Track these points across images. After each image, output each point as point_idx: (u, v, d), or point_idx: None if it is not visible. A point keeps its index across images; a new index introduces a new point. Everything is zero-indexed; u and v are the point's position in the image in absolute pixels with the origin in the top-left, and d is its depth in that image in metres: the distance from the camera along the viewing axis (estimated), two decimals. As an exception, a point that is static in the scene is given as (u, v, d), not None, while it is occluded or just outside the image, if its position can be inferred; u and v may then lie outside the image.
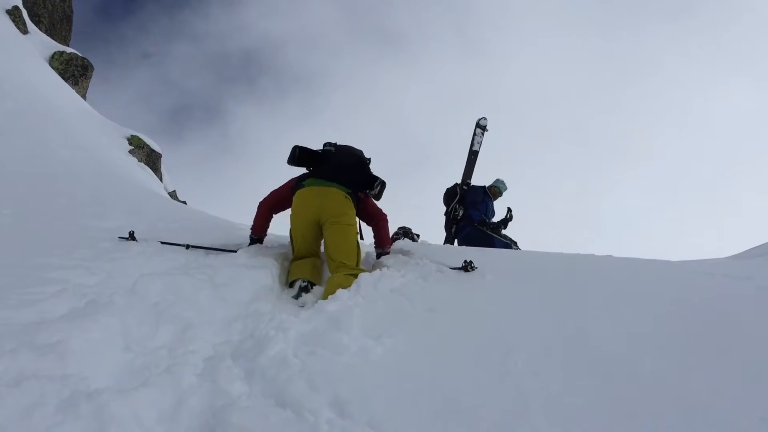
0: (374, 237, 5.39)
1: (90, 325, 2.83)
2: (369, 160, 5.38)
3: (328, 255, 4.77)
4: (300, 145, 5.19)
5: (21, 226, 4.73)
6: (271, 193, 5.29)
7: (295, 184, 5.14)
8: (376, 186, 5.19)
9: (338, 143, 5.34)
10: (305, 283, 4.19)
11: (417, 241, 6.12)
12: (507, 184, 9.18)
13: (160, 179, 14.79)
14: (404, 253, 5.26)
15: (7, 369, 2.32)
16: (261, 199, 5.32)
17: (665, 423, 2.18)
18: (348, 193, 4.96)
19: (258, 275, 4.18)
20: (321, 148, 5.28)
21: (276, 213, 5.35)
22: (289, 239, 5.15)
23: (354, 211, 4.98)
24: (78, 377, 2.36)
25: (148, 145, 14.51)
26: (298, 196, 4.97)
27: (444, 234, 9.08)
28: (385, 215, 5.39)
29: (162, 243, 4.86)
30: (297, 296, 4.22)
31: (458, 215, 8.76)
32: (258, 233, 5.31)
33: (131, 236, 4.89)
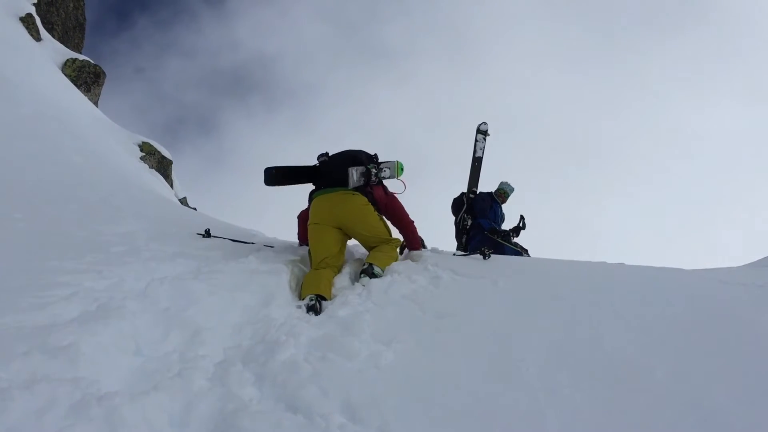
0: (404, 240, 5.55)
1: (101, 329, 2.83)
2: (375, 156, 5.44)
3: (362, 243, 5.26)
4: (274, 166, 5.39)
5: (33, 230, 4.75)
6: (306, 209, 5.52)
7: (308, 200, 5.42)
8: (373, 173, 5.21)
9: (330, 153, 5.45)
10: (313, 302, 4.06)
11: (426, 249, 6.12)
12: (513, 185, 9.17)
13: (171, 186, 14.86)
14: (414, 259, 5.25)
15: (19, 371, 2.32)
16: (299, 213, 5.62)
17: (681, 430, 2.15)
18: (353, 192, 5.10)
19: (269, 280, 4.17)
20: (317, 161, 5.41)
21: None
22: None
23: (363, 200, 5.11)
24: (89, 380, 2.35)
25: (159, 152, 14.60)
26: (312, 208, 5.21)
27: (455, 243, 9.02)
28: (411, 221, 5.53)
29: (233, 240, 5.61)
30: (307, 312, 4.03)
31: (467, 224, 8.71)
32: (304, 242, 5.50)
33: (207, 233, 5.64)
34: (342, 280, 4.66)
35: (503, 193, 9.11)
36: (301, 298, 4.31)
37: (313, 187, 5.42)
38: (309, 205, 5.37)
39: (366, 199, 5.14)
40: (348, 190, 5.09)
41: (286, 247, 5.60)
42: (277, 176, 5.37)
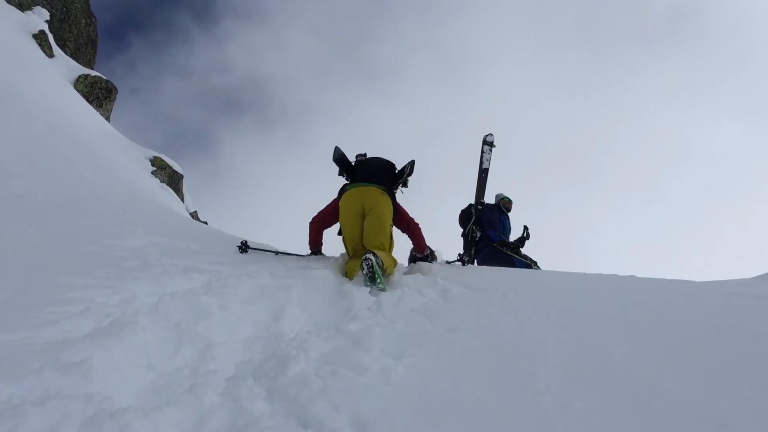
0: (412, 243, 6.05)
1: (113, 344, 2.85)
2: (393, 166, 6.11)
3: (365, 240, 5.55)
4: (338, 147, 5.99)
5: (46, 245, 4.78)
6: (320, 212, 6.03)
7: (339, 194, 5.89)
8: (407, 167, 5.98)
9: (367, 154, 6.13)
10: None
11: (435, 260, 6.16)
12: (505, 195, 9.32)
13: (182, 200, 14.92)
14: (424, 273, 5.25)
15: (33, 387, 2.34)
16: (311, 219, 6.04)
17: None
18: (383, 190, 5.71)
19: (279, 295, 4.18)
20: (354, 159, 6.09)
21: (325, 228, 6.06)
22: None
23: (390, 204, 5.71)
24: (101, 396, 2.37)
25: (170, 167, 14.66)
26: (344, 198, 5.74)
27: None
28: (417, 223, 5.95)
29: (278, 253, 6.00)
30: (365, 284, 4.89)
31: (476, 236, 8.69)
32: (315, 248, 6.09)
33: (244, 246, 5.90)
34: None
35: (508, 201, 9.18)
36: (349, 279, 5.16)
37: (345, 182, 5.99)
38: (338, 199, 5.86)
39: (391, 204, 5.72)
40: (380, 188, 5.69)
41: (314, 259, 5.67)
42: (340, 159, 5.98)
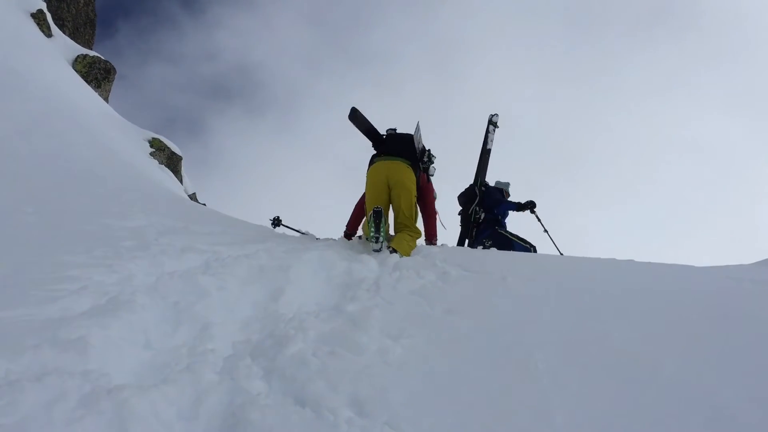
0: (424, 227, 6.26)
1: (111, 323, 2.85)
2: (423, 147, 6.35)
3: (394, 213, 5.96)
4: (358, 110, 6.20)
5: (44, 224, 4.78)
6: (362, 197, 6.41)
7: (368, 164, 6.24)
8: (425, 155, 6.20)
9: (396, 130, 6.41)
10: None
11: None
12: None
13: (180, 181, 14.89)
14: (423, 255, 5.25)
15: (30, 364, 2.34)
16: (356, 203, 6.47)
17: (689, 426, 2.14)
18: (409, 164, 5.99)
19: (277, 276, 4.18)
20: (385, 133, 6.38)
21: None
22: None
23: (414, 177, 5.98)
24: (99, 373, 2.37)
25: (168, 148, 14.63)
26: (371, 170, 6.09)
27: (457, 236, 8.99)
28: (434, 212, 6.32)
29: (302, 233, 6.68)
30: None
31: (479, 218, 8.68)
32: (351, 230, 6.46)
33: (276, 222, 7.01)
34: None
35: (507, 193, 9.13)
36: (366, 237, 5.61)
37: (374, 152, 6.31)
38: (369, 168, 6.22)
39: (414, 177, 5.98)
40: (405, 162, 5.97)
41: (296, 245, 5.61)
42: (359, 119, 6.21)
